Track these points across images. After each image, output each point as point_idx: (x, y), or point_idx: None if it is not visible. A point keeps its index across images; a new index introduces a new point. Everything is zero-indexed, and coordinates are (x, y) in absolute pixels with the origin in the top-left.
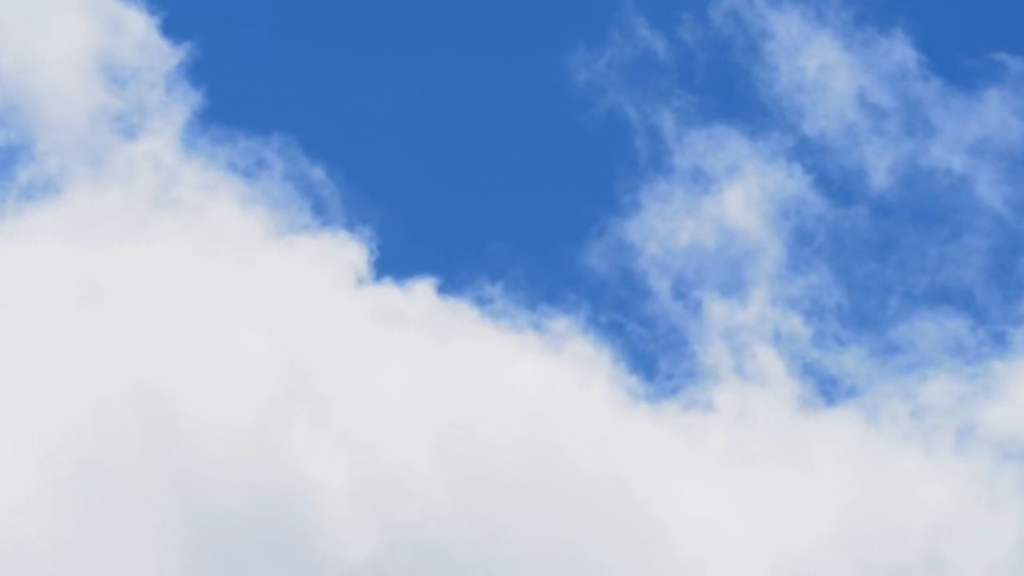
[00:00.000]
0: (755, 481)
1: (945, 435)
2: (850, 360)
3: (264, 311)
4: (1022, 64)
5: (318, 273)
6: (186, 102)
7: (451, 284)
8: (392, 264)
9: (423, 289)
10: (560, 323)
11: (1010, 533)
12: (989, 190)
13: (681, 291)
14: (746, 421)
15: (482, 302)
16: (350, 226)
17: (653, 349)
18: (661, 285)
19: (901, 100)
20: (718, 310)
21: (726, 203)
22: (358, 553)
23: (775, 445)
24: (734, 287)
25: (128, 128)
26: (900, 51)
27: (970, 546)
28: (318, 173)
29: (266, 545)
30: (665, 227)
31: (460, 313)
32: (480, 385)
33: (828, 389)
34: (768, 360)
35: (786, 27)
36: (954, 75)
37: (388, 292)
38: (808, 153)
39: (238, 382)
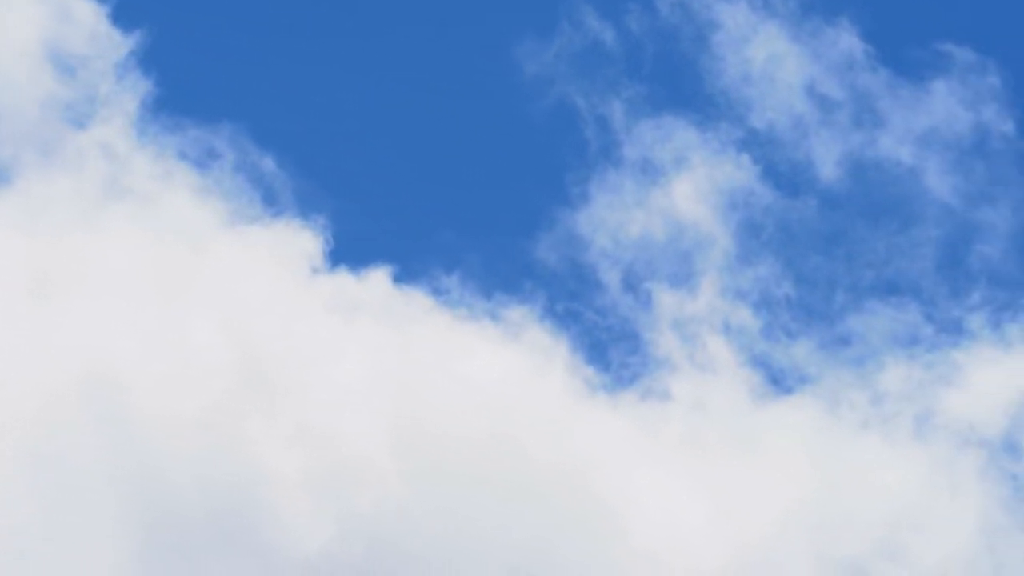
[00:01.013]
0: (712, 470)
1: (903, 423)
2: (800, 352)
3: (218, 301)
4: (968, 54)
5: (272, 263)
6: (136, 91)
7: (407, 273)
8: (347, 253)
9: (378, 278)
10: (516, 312)
11: (969, 521)
12: (938, 181)
13: (631, 282)
14: (702, 411)
15: (438, 291)
16: (304, 215)
17: (607, 339)
18: (611, 276)
19: (849, 91)
20: (668, 301)
21: (675, 194)
22: (313, 544)
23: (732, 435)
24: (684, 279)
25: (78, 117)
26: (847, 41)
27: (929, 535)
28: (268, 163)
29: (220, 536)
30: (615, 218)
31: (416, 302)
32: (436, 375)
33: (780, 380)
34: (720, 351)
35: (733, 17)
36: (901, 66)
37: (343, 281)
38: (756, 144)
39: (191, 373)
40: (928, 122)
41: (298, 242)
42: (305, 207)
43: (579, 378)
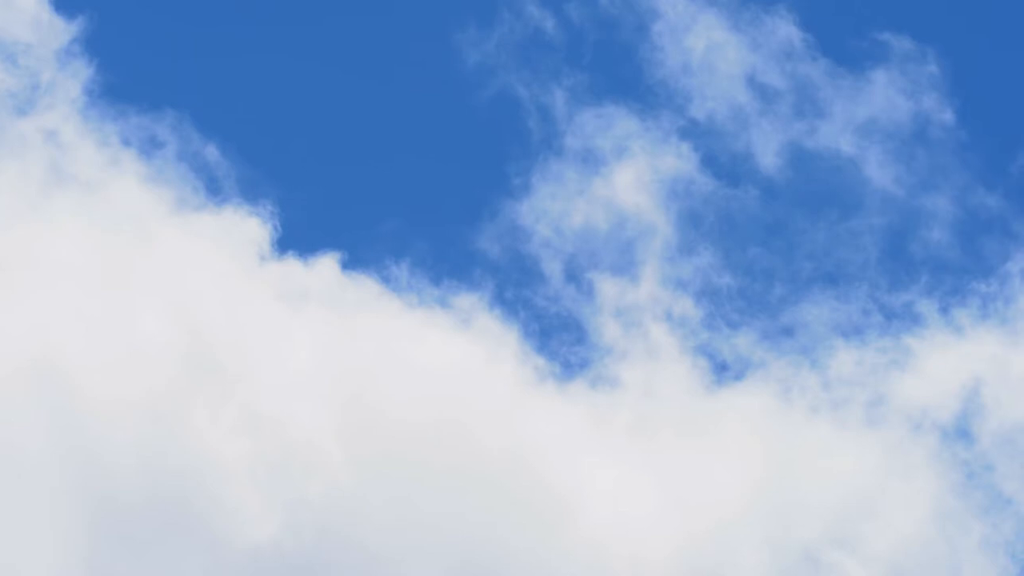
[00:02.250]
0: (662, 458)
1: (855, 409)
2: (743, 342)
3: (164, 288)
4: (907, 43)
5: (219, 250)
6: (79, 78)
7: (355, 260)
8: (295, 240)
9: (327, 265)
10: (466, 299)
11: (921, 506)
12: (878, 171)
13: (573, 272)
14: (651, 399)
15: (386, 278)
16: (251, 202)
17: (553, 328)
18: (554, 266)
19: (789, 81)
20: (610, 291)
21: (616, 184)
22: (261, 533)
23: (681, 422)
24: (626, 268)
25: (21, 104)
26: (785, 31)
27: (881, 520)
28: (212, 151)
29: (166, 525)
30: (557, 209)
31: (364, 289)
32: (385, 362)
33: (725, 369)
34: (664, 340)
35: (673, 7)
36: (841, 55)
37: (291, 268)
38: (697, 134)
39: (138, 360)
40: (868, 112)
41: (245, 229)
42: (250, 195)
43: (529, 366)
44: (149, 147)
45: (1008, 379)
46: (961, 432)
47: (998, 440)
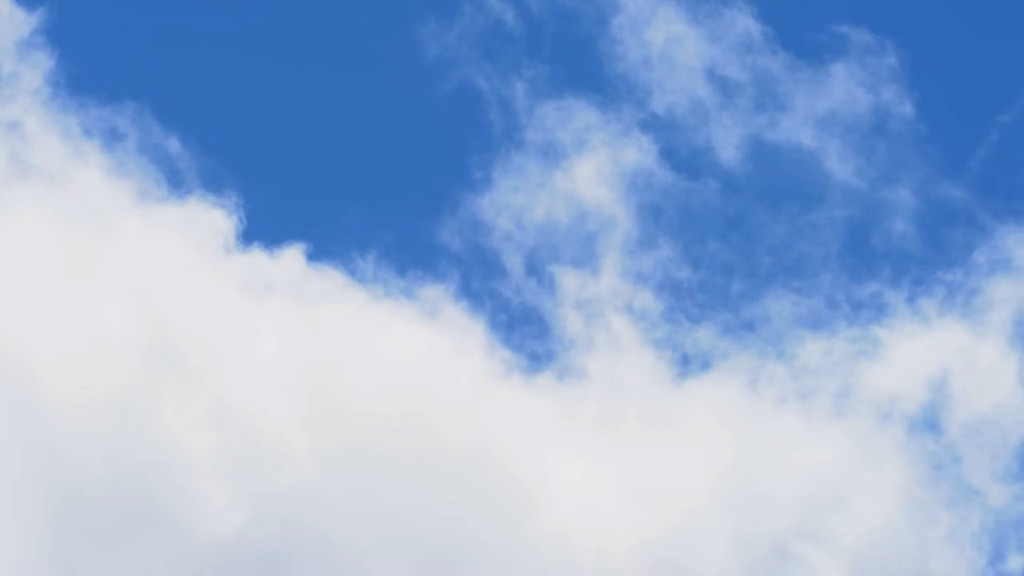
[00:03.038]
0: (630, 451)
1: (824, 398)
2: (704, 336)
3: (128, 280)
4: (865, 36)
5: (184, 241)
6: (40, 69)
7: (320, 251)
8: (260, 232)
9: (292, 256)
10: (431, 291)
11: (889, 497)
12: (838, 164)
13: (535, 266)
14: (618, 391)
15: (352, 269)
16: (218, 192)
17: (518, 321)
18: (515, 260)
19: (749, 74)
20: (572, 284)
21: (577, 177)
22: (226, 526)
23: (649, 415)
24: (586, 261)
25: None
26: (744, 23)
27: (849, 511)
28: (173, 143)
29: (131, 518)
30: (518, 202)
31: (330, 280)
32: (352, 353)
33: (687, 362)
34: (626, 333)
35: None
36: (800, 49)
37: (256, 259)
38: (657, 127)
39: (102, 352)
40: (828, 105)
41: (209, 221)
42: (212, 187)
43: (496, 358)
44: (110, 139)
45: (976, 370)
46: (929, 423)
47: (966, 431)
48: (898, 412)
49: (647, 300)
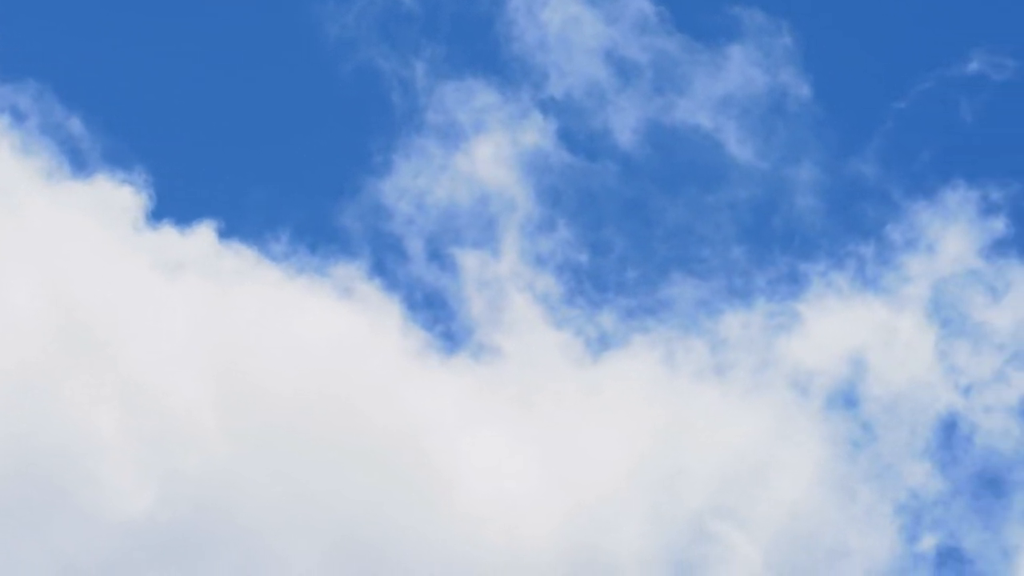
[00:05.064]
0: (547, 431)
1: (741, 374)
2: (607, 319)
3: (37, 259)
4: (759, 16)
5: (93, 220)
6: None
7: (232, 228)
8: (170, 209)
9: (203, 234)
10: (345, 269)
11: (807, 474)
12: (738, 146)
13: (436, 248)
14: (534, 372)
15: (264, 247)
16: (127, 169)
17: (428, 303)
18: (416, 242)
19: (646, 56)
20: (473, 266)
21: (477, 159)
22: (135, 507)
23: (565, 395)
24: (487, 243)
25: None
26: (638, 5)
27: (767, 488)
28: (76, 123)
29: (36, 499)
30: (418, 185)
31: (242, 257)
32: (264, 332)
33: (596, 342)
34: (533, 315)
35: None
36: (696, 31)
37: (167, 237)
38: (556, 109)
39: (10, 331)
40: (725, 87)
41: (118, 198)
42: (118, 165)
43: (409, 337)
44: (12, 118)
45: (893, 345)
46: (847, 399)
47: (883, 407)
48: (816, 387)
49: (549, 283)
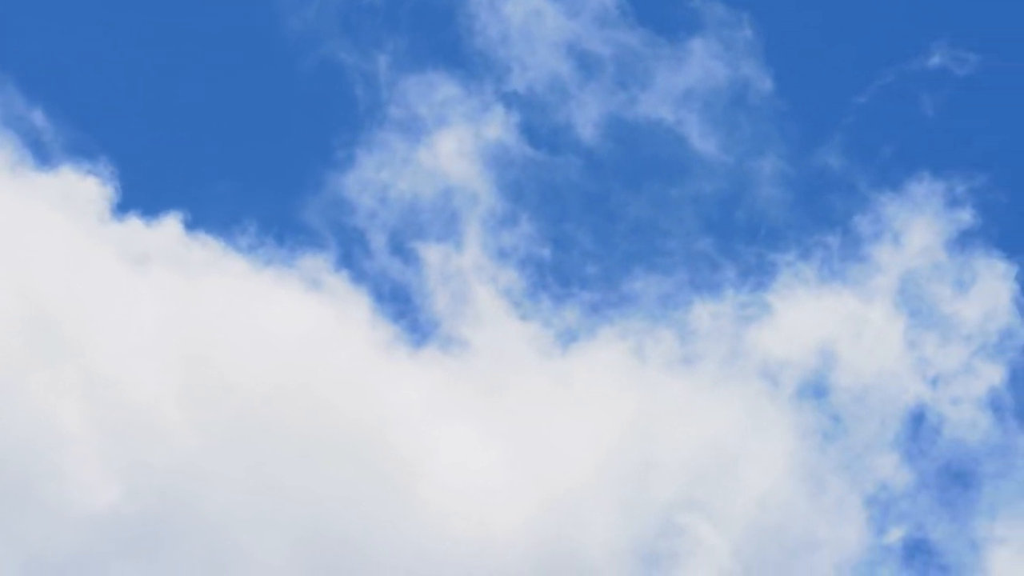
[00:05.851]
0: (516, 424)
1: (710, 365)
2: (571, 314)
3: (2, 251)
4: (719, 9)
5: (58, 212)
6: None
7: (198, 220)
8: (136, 201)
9: (170, 225)
10: (312, 261)
11: (777, 465)
12: (700, 140)
13: (400, 242)
14: (504, 363)
15: (231, 238)
16: (92, 160)
17: (393, 297)
18: (380, 236)
19: (608, 50)
20: (436, 259)
21: (440, 153)
22: (101, 500)
23: (535, 386)
24: (450, 237)
25: None
26: None
27: (737, 479)
28: (38, 116)
29: (1, 491)
30: (381, 179)
31: (209, 249)
32: (232, 323)
33: (563, 334)
34: (493, 310)
35: None
36: (658, 24)
37: (133, 228)
38: (518, 103)
39: None
40: (687, 81)
41: (83, 191)
42: (84, 157)
43: (377, 330)
44: None
45: (863, 336)
46: (817, 389)
47: (853, 398)
48: (786, 378)
49: (511, 277)
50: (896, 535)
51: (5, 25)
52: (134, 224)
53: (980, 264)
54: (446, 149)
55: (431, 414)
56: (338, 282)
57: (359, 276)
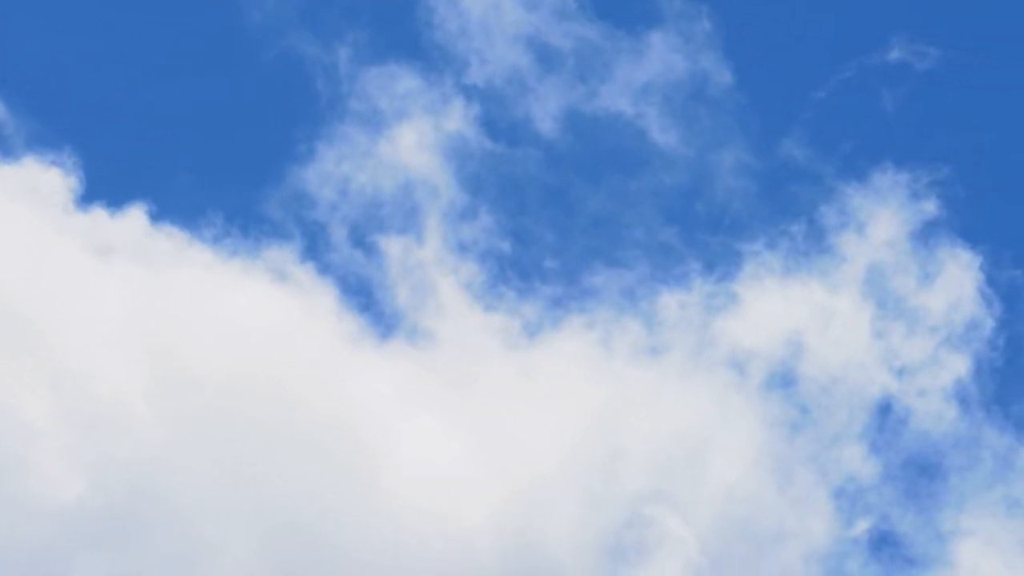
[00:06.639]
0: (482, 416)
1: (678, 355)
2: (531, 309)
3: None
4: (677, 3)
5: (22, 203)
6: None
7: (164, 211)
8: (101, 192)
9: (135, 216)
10: (278, 252)
11: (745, 456)
12: (660, 133)
13: (361, 235)
14: (471, 355)
15: (196, 229)
16: (56, 151)
17: (359, 289)
18: (341, 230)
19: (567, 43)
20: (397, 252)
21: (400, 146)
22: (66, 493)
23: (502, 377)
24: (411, 230)
25: None
26: None
27: (704, 471)
28: (0, 107)
29: None
30: (341, 172)
31: (174, 240)
32: (198, 315)
33: (527, 327)
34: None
35: None
36: (616, 18)
37: (98, 220)
38: (478, 96)
39: None
40: (647, 74)
41: (47, 182)
42: (44, 150)
43: (343, 321)
44: None
45: (830, 326)
46: (785, 380)
47: (821, 388)
48: (753, 368)
49: (472, 270)
50: (863, 527)
51: None
52: (98, 215)
53: (945, 255)
54: (406, 142)
55: (397, 405)
56: (304, 274)
57: (325, 268)
